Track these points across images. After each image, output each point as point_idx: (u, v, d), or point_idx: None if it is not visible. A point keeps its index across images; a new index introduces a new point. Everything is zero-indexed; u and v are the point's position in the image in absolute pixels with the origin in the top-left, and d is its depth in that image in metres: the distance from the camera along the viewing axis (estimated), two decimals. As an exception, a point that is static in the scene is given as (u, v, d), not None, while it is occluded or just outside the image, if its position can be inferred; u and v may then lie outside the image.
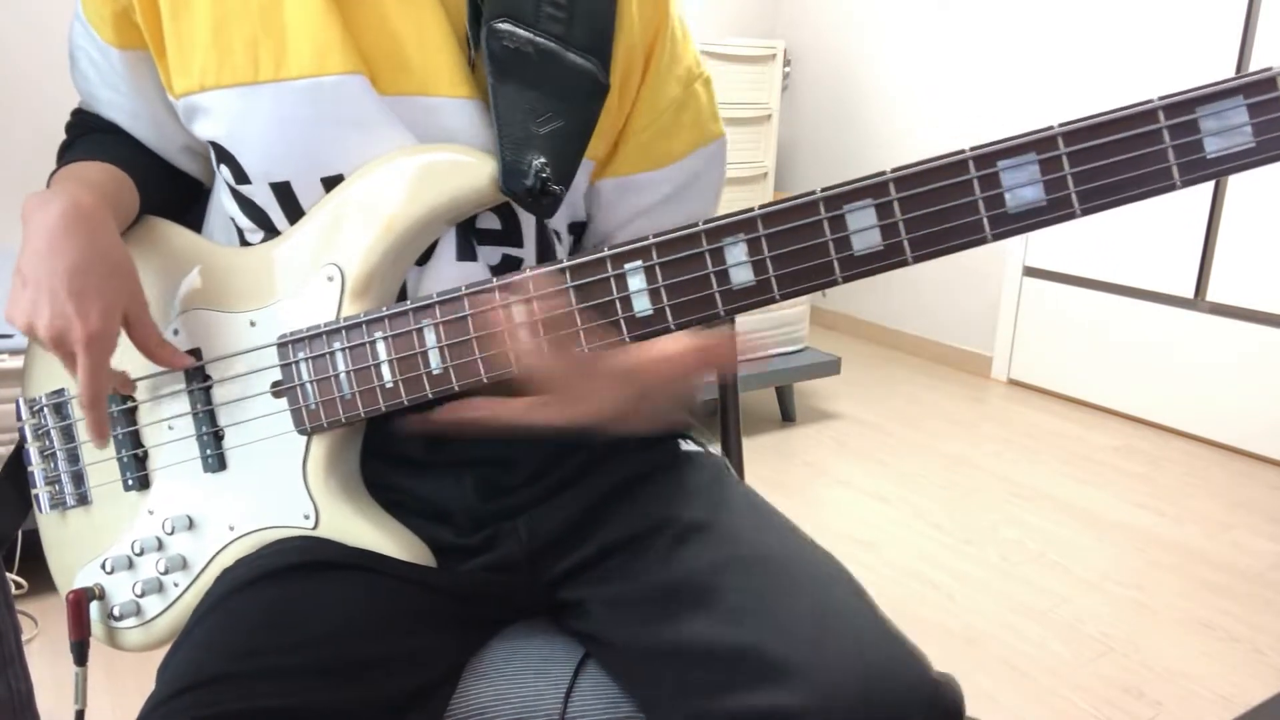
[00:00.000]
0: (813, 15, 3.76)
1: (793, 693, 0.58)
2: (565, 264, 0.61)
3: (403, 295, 0.71)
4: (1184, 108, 0.48)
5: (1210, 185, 2.57)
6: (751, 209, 0.56)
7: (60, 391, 0.79)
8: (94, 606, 0.77)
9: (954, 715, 0.61)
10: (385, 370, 0.66)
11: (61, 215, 0.65)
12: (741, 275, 0.57)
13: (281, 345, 0.70)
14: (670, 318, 0.59)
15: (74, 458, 0.78)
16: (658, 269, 0.58)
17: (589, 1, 0.70)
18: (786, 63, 3.60)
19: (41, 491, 0.81)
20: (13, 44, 2.37)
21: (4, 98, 2.39)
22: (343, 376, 0.68)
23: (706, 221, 0.57)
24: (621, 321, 0.60)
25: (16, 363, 1.52)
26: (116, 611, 0.76)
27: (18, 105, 2.40)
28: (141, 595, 0.75)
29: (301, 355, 0.69)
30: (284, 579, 0.67)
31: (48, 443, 0.80)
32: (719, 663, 0.62)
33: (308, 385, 0.69)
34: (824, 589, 0.65)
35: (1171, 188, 0.49)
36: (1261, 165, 0.47)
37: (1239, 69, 2.47)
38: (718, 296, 0.58)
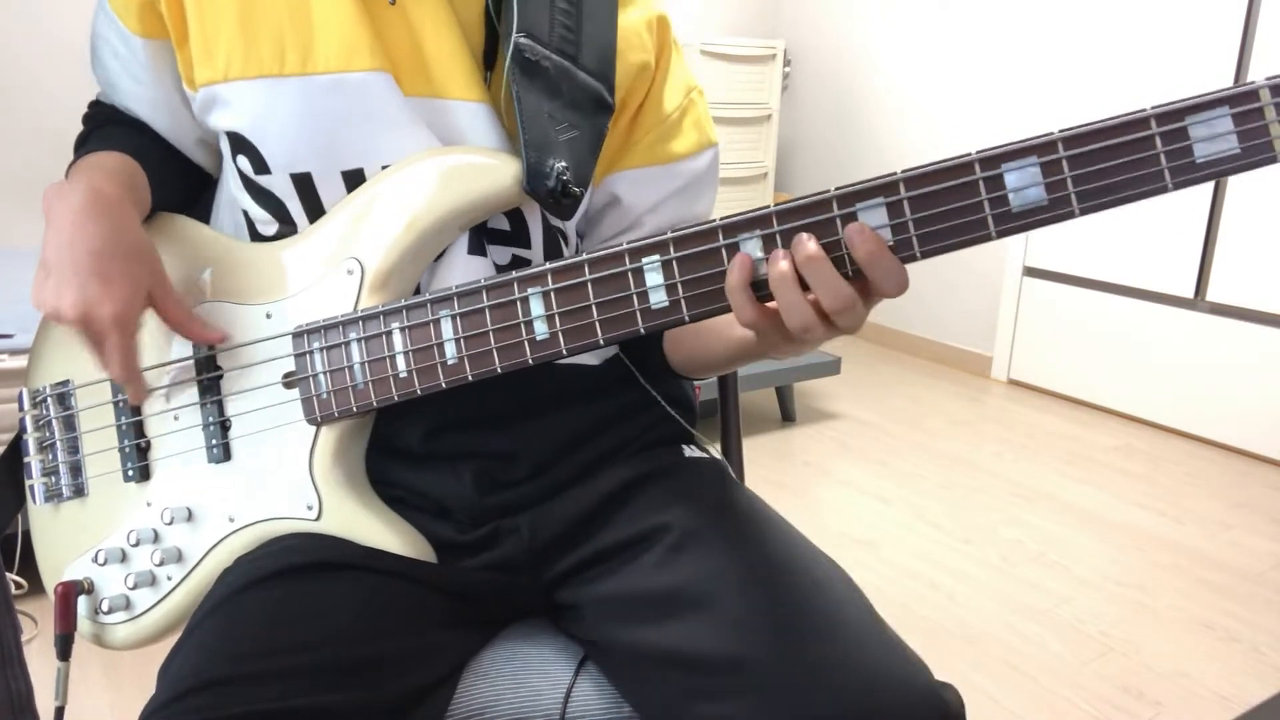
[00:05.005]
0: (813, 15, 3.76)
1: (791, 703, 0.58)
2: (585, 257, 0.62)
3: (415, 293, 0.71)
4: (1174, 116, 0.51)
5: (1210, 185, 2.57)
6: (767, 206, 0.58)
7: (65, 382, 0.79)
8: (81, 602, 0.77)
9: None
10: (400, 360, 0.67)
11: (84, 202, 0.66)
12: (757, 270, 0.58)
13: (297, 335, 0.70)
14: (685, 309, 0.60)
15: (74, 448, 0.78)
16: (675, 263, 0.60)
17: (593, 26, 0.73)
18: (786, 63, 3.60)
19: (37, 483, 0.80)
20: (14, 45, 2.37)
21: (4, 99, 2.38)
22: (357, 367, 0.68)
23: (724, 218, 0.59)
24: (638, 313, 0.61)
25: (16, 363, 1.52)
26: (105, 605, 0.76)
27: (18, 107, 2.39)
28: (133, 588, 0.75)
29: (316, 345, 0.70)
30: (285, 580, 0.67)
31: (48, 433, 0.80)
32: (717, 671, 0.62)
33: (320, 375, 0.69)
34: (824, 597, 0.65)
35: (1164, 190, 0.52)
36: (1246, 170, 0.50)
37: (1239, 64, 2.48)
38: (732, 289, 0.59)
